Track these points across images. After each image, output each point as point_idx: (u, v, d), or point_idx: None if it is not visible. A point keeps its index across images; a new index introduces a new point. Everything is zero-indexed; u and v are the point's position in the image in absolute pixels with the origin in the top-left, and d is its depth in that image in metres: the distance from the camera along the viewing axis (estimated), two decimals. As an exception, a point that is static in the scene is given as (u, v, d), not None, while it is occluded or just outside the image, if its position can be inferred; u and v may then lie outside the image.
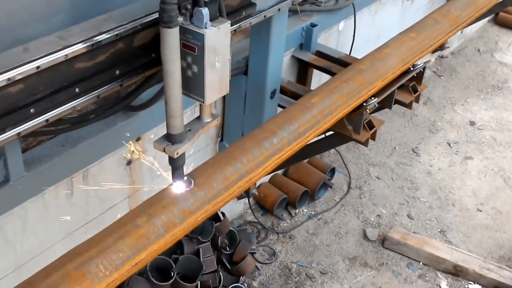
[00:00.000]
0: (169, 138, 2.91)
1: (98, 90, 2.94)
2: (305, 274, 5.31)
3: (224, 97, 4.64)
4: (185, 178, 2.88)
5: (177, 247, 4.89)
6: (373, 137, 4.21)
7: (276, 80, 4.38)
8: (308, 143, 3.54)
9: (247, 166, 3.04)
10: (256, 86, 4.35)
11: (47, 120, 2.79)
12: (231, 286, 4.98)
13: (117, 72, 2.97)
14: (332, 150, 6.44)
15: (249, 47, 4.26)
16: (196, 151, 4.66)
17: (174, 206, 2.70)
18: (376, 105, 4.07)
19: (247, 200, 5.46)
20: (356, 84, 3.76)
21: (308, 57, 5.05)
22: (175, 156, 2.90)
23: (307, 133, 3.41)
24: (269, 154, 3.15)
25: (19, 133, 2.71)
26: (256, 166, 3.09)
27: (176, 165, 2.97)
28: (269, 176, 5.75)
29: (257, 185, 5.68)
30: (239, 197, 5.43)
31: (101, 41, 2.79)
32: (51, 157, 3.56)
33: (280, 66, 4.35)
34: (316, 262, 5.42)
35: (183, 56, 2.86)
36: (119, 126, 3.84)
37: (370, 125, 4.14)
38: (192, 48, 2.82)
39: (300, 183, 5.84)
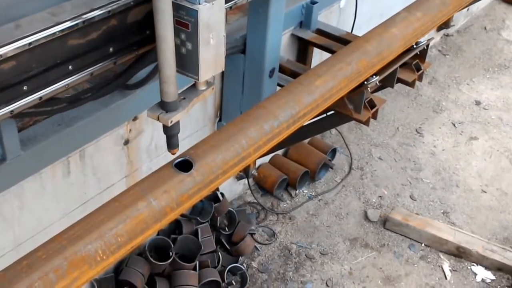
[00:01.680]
0: (163, 106, 2.90)
1: (92, 68, 2.92)
2: (305, 255, 5.29)
3: (222, 76, 4.61)
4: (186, 158, 2.82)
5: (176, 227, 4.88)
6: (374, 116, 4.14)
7: (275, 59, 4.31)
8: (307, 123, 3.49)
9: (246, 150, 2.99)
10: (255, 65, 4.29)
11: (40, 97, 2.77)
12: (230, 266, 4.96)
13: (111, 49, 2.95)
14: (333, 131, 6.39)
15: (247, 25, 4.19)
16: (194, 131, 4.63)
17: (174, 191, 2.65)
18: (378, 84, 4.00)
19: (247, 180, 5.42)
20: (359, 67, 3.68)
21: (308, 35, 4.97)
22: (169, 125, 2.90)
23: (305, 117, 3.36)
24: (268, 138, 3.10)
25: (12, 111, 2.69)
26: (254, 150, 3.04)
27: (170, 133, 2.97)
28: (269, 157, 5.71)
29: (256, 165, 5.65)
30: (239, 178, 5.39)
31: (93, 17, 2.76)
32: (47, 136, 3.53)
33: (278, 44, 4.28)
34: (316, 243, 5.40)
35: (177, 33, 2.84)
36: (115, 105, 3.80)
37: (371, 104, 4.07)
38: (186, 24, 2.80)
39: (300, 163, 5.80)
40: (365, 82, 3.84)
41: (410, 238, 5.50)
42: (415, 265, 5.31)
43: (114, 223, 2.41)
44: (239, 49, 4.29)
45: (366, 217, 5.66)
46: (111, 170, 4.13)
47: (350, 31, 5.18)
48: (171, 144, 3.06)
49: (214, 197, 5.03)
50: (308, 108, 3.33)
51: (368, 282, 5.14)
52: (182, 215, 4.91)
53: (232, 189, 5.55)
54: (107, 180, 4.14)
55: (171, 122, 2.91)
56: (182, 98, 2.99)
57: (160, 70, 2.80)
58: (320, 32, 5.00)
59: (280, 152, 5.82)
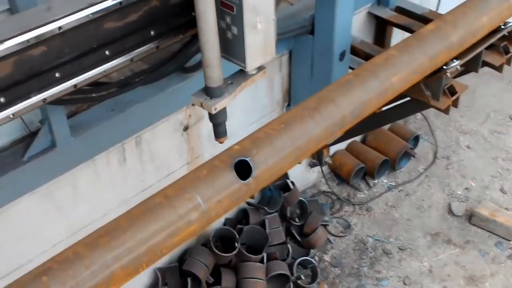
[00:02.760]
0: (207, 92, 2.72)
1: (132, 53, 2.77)
2: (382, 249, 5.03)
3: (290, 59, 4.38)
4: (247, 161, 2.54)
5: (242, 217, 4.70)
6: (455, 104, 3.79)
7: (346, 41, 4.01)
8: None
9: (305, 154, 2.75)
10: (324, 47, 4.02)
11: (75, 85, 2.66)
12: (300, 259, 4.77)
13: (152, 32, 2.79)
14: (419, 115, 6.08)
15: (315, 3, 3.90)
16: (261, 116, 4.41)
17: (227, 200, 2.47)
18: (459, 68, 3.62)
19: (320, 168, 5.17)
20: (438, 62, 3.34)
21: (386, 13, 4.65)
22: (213, 112, 2.71)
23: (369, 113, 3.06)
24: (328, 140, 2.85)
25: (44, 99, 2.58)
26: (310, 152, 2.80)
27: (216, 121, 2.81)
28: (345, 143, 5.45)
29: (331, 152, 5.38)
30: (312, 165, 5.16)
31: (131, -3, 2.60)
32: (99, 122, 3.43)
33: (349, 24, 3.98)
34: (394, 237, 5.14)
35: (221, 16, 2.66)
36: (172, 89, 3.64)
37: (452, 91, 3.71)
38: (230, 6, 2.63)
39: (379, 151, 5.53)
40: (444, 67, 3.47)
41: (498, 235, 5.18)
42: (502, 265, 4.98)
43: (165, 236, 2.29)
44: (307, 29, 4.03)
45: (450, 211, 5.36)
46: (170, 157, 3.98)
47: (434, 9, 4.76)
48: (218, 132, 2.86)
49: (283, 186, 4.80)
50: (376, 106, 3.03)
51: (449, 281, 4.86)
52: (249, 204, 4.72)
53: (305, 177, 5.32)
54: (167, 167, 4.00)
55: (215, 109, 2.71)
56: (229, 83, 2.79)
57: (202, 52, 2.62)
58: (400, 10, 4.67)
59: (357, 138, 5.54)
